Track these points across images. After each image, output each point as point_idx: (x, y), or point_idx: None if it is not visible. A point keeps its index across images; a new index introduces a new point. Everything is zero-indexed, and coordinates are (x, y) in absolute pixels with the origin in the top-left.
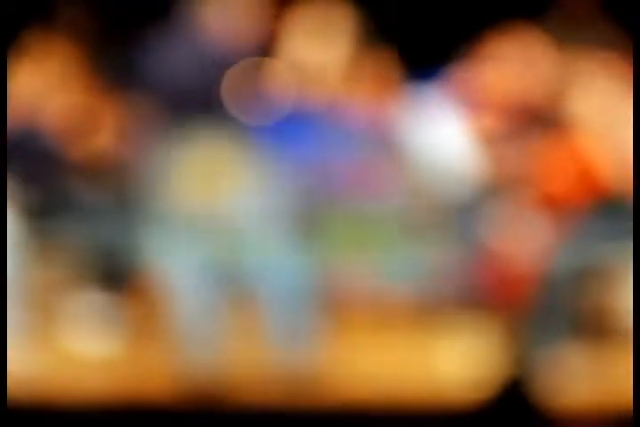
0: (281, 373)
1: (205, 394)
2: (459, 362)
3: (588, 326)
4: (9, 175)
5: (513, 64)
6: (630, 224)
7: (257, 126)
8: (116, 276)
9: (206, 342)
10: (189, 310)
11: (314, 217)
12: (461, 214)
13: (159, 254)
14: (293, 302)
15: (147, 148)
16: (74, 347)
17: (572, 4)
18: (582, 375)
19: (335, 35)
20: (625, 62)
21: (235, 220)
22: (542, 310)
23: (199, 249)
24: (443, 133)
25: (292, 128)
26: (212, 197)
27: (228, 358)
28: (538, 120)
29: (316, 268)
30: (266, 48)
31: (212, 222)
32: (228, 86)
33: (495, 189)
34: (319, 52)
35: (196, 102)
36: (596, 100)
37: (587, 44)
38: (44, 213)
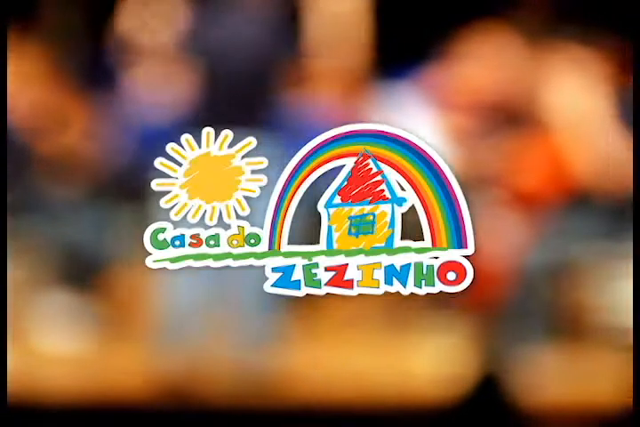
0: (250, 371)
1: (177, 392)
2: (432, 360)
3: (563, 323)
4: None
5: (485, 62)
6: (599, 223)
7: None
8: (87, 274)
9: (179, 340)
10: (163, 309)
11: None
12: None
13: (132, 253)
14: (262, 301)
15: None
16: (45, 346)
17: (545, 1)
18: (556, 373)
19: None
20: (598, 59)
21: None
22: (516, 307)
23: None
24: (415, 132)
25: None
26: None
27: (200, 356)
28: (510, 118)
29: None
30: None
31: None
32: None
33: (468, 188)
34: None
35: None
36: (568, 98)
37: (559, 40)
38: (12, 211)
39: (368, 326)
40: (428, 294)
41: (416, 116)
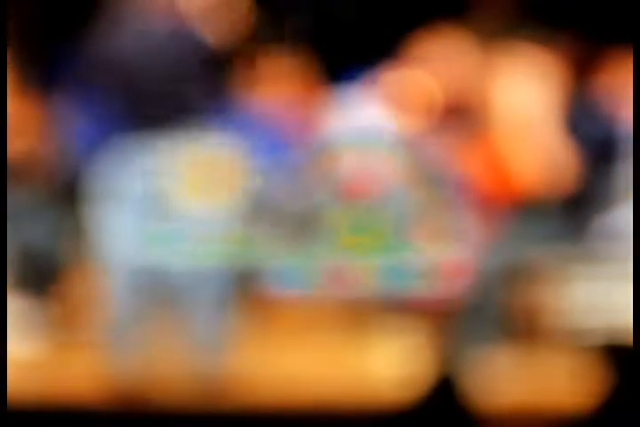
0: (205, 375)
1: (130, 396)
2: (388, 361)
3: (518, 325)
4: None
5: (437, 63)
6: (552, 224)
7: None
8: (43, 278)
9: (132, 344)
10: (117, 312)
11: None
12: (387, 214)
13: (88, 256)
14: (218, 304)
15: (74, 149)
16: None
17: (497, 2)
18: (512, 375)
19: None
20: (550, 60)
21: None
22: (471, 309)
23: (129, 250)
24: (368, 134)
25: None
26: (146, 195)
27: (154, 359)
28: (463, 119)
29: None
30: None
31: (156, 221)
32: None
33: (421, 188)
34: None
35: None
36: (520, 99)
37: (512, 42)
38: None
39: (325, 328)
40: (384, 295)
41: (369, 118)
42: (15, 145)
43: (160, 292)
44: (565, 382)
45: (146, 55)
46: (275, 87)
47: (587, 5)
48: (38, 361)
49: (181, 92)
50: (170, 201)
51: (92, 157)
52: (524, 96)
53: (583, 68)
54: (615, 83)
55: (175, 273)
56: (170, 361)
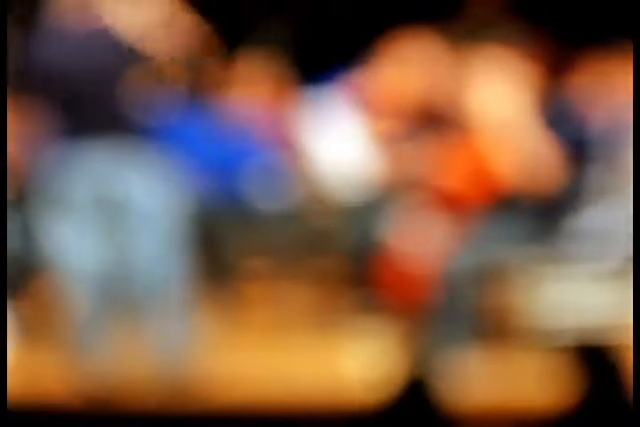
0: (173, 376)
1: (100, 398)
2: (360, 363)
3: (489, 326)
4: None
5: (410, 66)
6: (524, 226)
7: (153, 126)
8: (12, 280)
9: (98, 346)
10: (80, 315)
11: (209, 220)
12: (361, 217)
13: (55, 258)
14: (181, 306)
15: (38, 149)
16: None
17: (474, 4)
18: (483, 376)
19: None
20: (522, 62)
21: (126, 221)
22: (442, 310)
23: (93, 253)
24: (341, 136)
25: (189, 130)
26: (107, 198)
27: (121, 361)
28: (436, 121)
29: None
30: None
31: (107, 224)
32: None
33: (394, 191)
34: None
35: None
36: (492, 101)
37: (486, 43)
38: None
39: (297, 329)
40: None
41: (343, 120)
42: None
43: (122, 295)
44: (536, 382)
45: (77, 61)
46: (247, 90)
47: (559, 7)
48: (9, 362)
49: (111, 96)
50: (119, 205)
51: (39, 162)
52: (498, 98)
53: (555, 69)
54: (587, 84)
55: (134, 278)
56: (138, 363)
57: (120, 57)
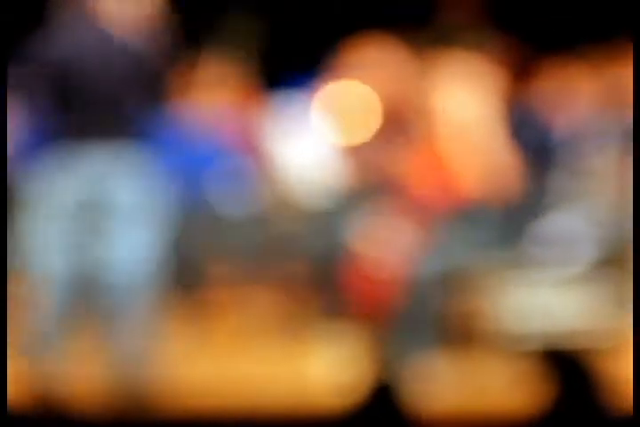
0: (136, 382)
1: (52, 403)
2: (327, 368)
3: (455, 331)
4: None
5: (377, 72)
6: (489, 231)
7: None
8: None
9: (58, 352)
10: (43, 320)
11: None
12: (326, 221)
13: (32, 258)
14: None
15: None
16: None
17: (448, 11)
18: (449, 380)
19: None
20: (488, 67)
21: (110, 223)
22: (409, 315)
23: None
24: (307, 141)
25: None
26: (92, 200)
27: (80, 367)
28: (401, 126)
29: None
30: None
31: (90, 226)
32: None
33: (360, 196)
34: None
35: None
36: (458, 107)
37: (454, 49)
38: None
39: (264, 335)
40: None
41: (309, 126)
42: None
43: (88, 300)
44: (503, 386)
45: (78, 62)
46: (213, 95)
47: (525, 13)
48: None
49: (112, 99)
50: (104, 207)
51: (29, 163)
52: (463, 104)
53: (520, 75)
54: (551, 90)
55: (104, 282)
56: (97, 370)
57: (122, 58)
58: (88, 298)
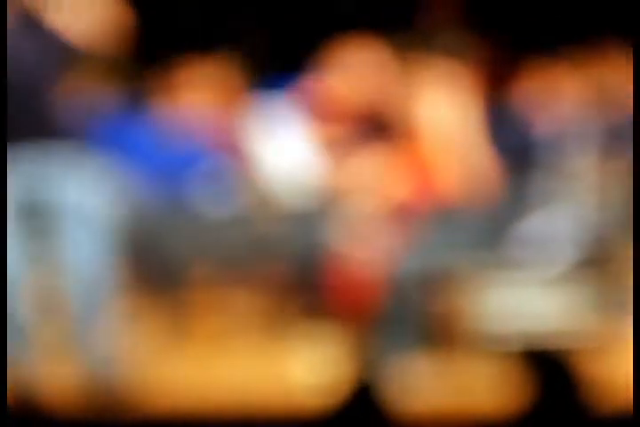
0: (111, 383)
1: (28, 404)
2: (308, 368)
3: (436, 331)
4: None
5: (357, 73)
6: (470, 232)
7: (92, 130)
8: None
9: (32, 351)
10: (13, 318)
11: (154, 226)
12: (307, 222)
13: None
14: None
15: None
16: None
17: (429, 12)
18: (431, 381)
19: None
20: (467, 71)
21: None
22: (390, 315)
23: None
24: (287, 142)
25: (136, 135)
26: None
27: (53, 368)
28: (381, 129)
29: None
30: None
31: (39, 230)
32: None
33: (341, 197)
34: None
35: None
36: (437, 109)
37: (434, 51)
38: None
39: (244, 335)
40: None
41: (290, 126)
42: None
43: (55, 302)
44: (484, 387)
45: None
46: (195, 95)
47: (505, 14)
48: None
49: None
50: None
51: None
52: (443, 106)
53: (501, 75)
54: (532, 90)
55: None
56: (70, 371)
57: (57, 59)
58: (53, 300)
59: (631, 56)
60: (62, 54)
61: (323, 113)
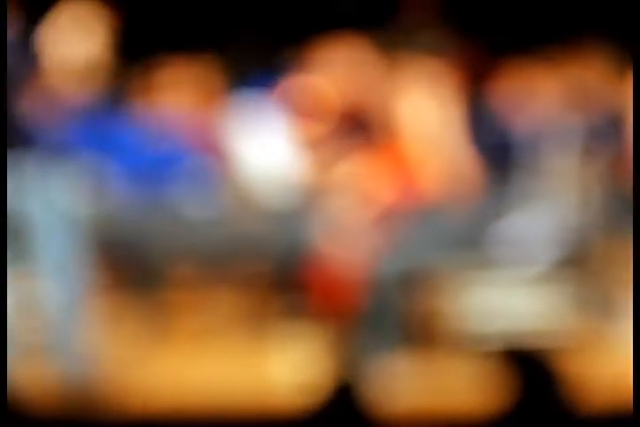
0: (87, 383)
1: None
2: (288, 368)
3: (416, 330)
4: None
5: (338, 71)
6: (451, 231)
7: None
8: None
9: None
10: None
11: (135, 227)
12: (288, 221)
13: None
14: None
15: None
16: None
17: (409, 12)
18: (411, 381)
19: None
20: (454, 70)
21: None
22: (371, 315)
23: None
24: (269, 141)
25: (116, 136)
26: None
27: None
28: (363, 127)
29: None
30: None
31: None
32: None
33: (322, 196)
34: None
35: None
36: (418, 108)
37: (415, 50)
38: None
39: (224, 335)
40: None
41: (271, 125)
42: None
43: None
44: (465, 386)
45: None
46: (175, 95)
47: (485, 13)
48: None
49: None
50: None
51: None
52: (424, 105)
53: (480, 74)
54: (511, 90)
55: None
56: (50, 372)
57: (25, 61)
58: (30, 299)
59: (631, 56)
60: (31, 58)
61: (305, 112)
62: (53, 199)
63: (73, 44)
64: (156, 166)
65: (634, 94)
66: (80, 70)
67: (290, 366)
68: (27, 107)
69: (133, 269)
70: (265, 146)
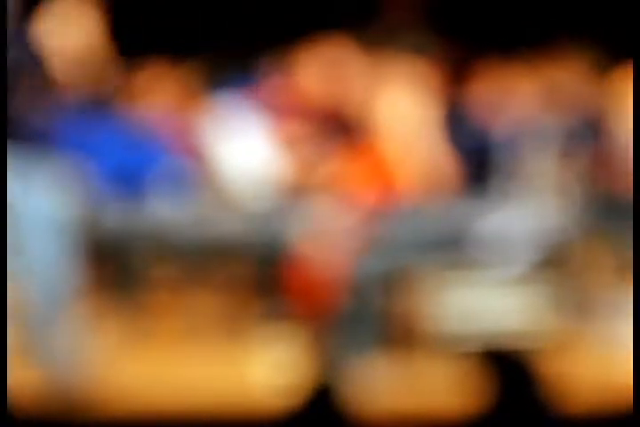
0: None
1: None
2: (267, 369)
3: (395, 332)
4: None
5: (319, 71)
6: (430, 232)
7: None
8: None
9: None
10: None
11: (114, 228)
12: (268, 222)
13: None
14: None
15: None
16: None
17: (390, 12)
18: (390, 382)
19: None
20: (435, 70)
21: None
22: (350, 316)
23: None
24: (249, 142)
25: (94, 138)
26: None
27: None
28: (343, 126)
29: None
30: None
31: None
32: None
33: (301, 196)
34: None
35: None
36: (401, 108)
37: (397, 50)
38: None
39: (203, 336)
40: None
41: (250, 125)
42: None
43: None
44: (443, 387)
45: None
46: (153, 96)
47: (462, 14)
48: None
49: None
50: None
51: None
52: (404, 104)
53: (460, 75)
54: (490, 91)
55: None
56: (32, 374)
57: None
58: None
59: (631, 60)
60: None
61: (285, 111)
62: (35, 200)
63: (63, 37)
64: (136, 168)
65: (634, 94)
66: (71, 63)
67: (269, 367)
68: (17, 101)
69: (114, 270)
70: (245, 147)
